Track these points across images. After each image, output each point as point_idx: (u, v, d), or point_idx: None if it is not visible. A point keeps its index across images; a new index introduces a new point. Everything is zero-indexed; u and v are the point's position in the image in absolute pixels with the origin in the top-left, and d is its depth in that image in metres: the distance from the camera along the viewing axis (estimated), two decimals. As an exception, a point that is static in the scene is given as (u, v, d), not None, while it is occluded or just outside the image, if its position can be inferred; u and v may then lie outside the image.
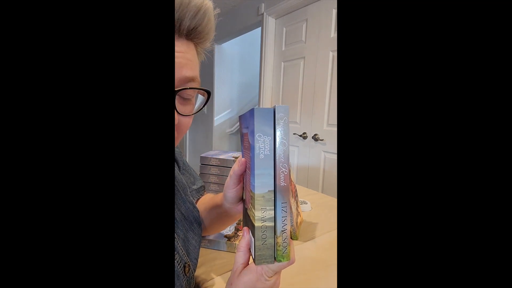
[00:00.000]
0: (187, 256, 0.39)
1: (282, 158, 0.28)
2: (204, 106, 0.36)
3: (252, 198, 0.29)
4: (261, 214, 0.28)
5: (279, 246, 0.29)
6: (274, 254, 0.29)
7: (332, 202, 0.96)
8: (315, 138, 1.72)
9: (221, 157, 0.75)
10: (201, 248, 0.61)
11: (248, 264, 0.32)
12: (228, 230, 0.65)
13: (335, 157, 1.63)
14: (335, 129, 1.61)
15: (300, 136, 1.84)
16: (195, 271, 0.42)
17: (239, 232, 0.64)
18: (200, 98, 0.37)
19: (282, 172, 0.28)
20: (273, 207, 0.28)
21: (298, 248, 0.63)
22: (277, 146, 0.28)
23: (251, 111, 0.29)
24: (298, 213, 0.73)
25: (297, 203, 0.76)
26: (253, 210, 0.29)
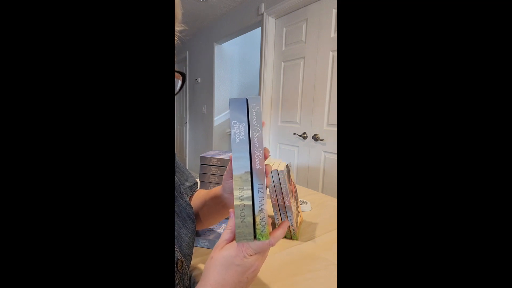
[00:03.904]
0: (180, 252, 0.39)
1: (256, 143, 0.31)
2: (180, 89, 0.38)
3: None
4: (239, 193, 0.31)
5: (257, 225, 0.31)
6: (253, 232, 0.31)
7: (332, 202, 0.96)
8: (315, 138, 1.72)
9: (221, 157, 0.75)
10: (200, 248, 0.61)
11: (230, 241, 0.33)
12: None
13: (335, 157, 1.62)
14: (335, 129, 1.61)
15: (300, 136, 1.84)
16: (189, 267, 0.42)
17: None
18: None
19: (257, 156, 0.31)
20: (250, 187, 0.31)
21: (298, 248, 0.63)
22: (250, 131, 0.31)
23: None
24: (298, 213, 0.73)
25: (297, 203, 0.76)
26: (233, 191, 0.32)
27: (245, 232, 0.31)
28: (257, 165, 0.31)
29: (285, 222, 0.35)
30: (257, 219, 0.31)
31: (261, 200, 0.31)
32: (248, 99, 0.31)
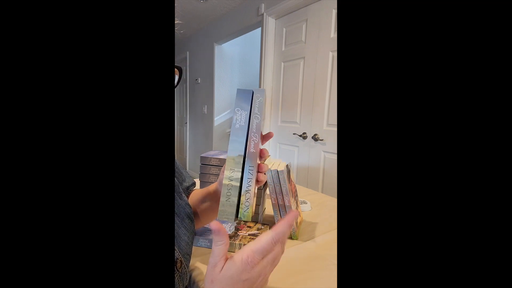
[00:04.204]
0: (179, 252, 0.39)
1: (254, 129, 0.33)
2: (177, 83, 0.40)
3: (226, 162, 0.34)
4: (230, 174, 0.33)
5: (242, 205, 0.33)
6: (235, 213, 0.33)
7: (332, 202, 0.96)
8: (315, 138, 1.72)
9: (221, 157, 0.75)
10: (201, 248, 0.61)
11: (226, 257, 0.30)
12: (228, 229, 0.65)
13: (335, 157, 1.62)
14: (335, 129, 1.61)
15: (300, 136, 1.84)
16: (188, 266, 0.42)
17: (240, 231, 0.64)
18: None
19: (253, 140, 0.33)
20: (240, 169, 0.33)
21: (298, 248, 0.63)
22: (251, 118, 0.33)
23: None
24: (298, 213, 0.73)
25: (297, 203, 0.76)
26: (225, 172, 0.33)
27: (228, 211, 0.32)
28: (251, 149, 0.32)
29: (292, 213, 0.33)
30: (243, 198, 0.32)
31: (249, 182, 0.33)
32: (253, 91, 0.33)
